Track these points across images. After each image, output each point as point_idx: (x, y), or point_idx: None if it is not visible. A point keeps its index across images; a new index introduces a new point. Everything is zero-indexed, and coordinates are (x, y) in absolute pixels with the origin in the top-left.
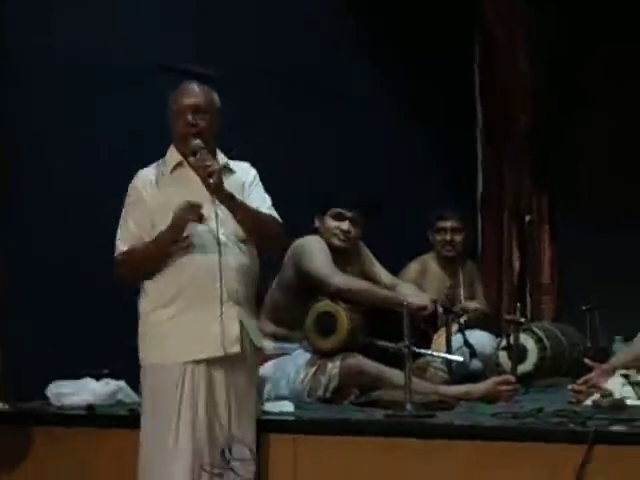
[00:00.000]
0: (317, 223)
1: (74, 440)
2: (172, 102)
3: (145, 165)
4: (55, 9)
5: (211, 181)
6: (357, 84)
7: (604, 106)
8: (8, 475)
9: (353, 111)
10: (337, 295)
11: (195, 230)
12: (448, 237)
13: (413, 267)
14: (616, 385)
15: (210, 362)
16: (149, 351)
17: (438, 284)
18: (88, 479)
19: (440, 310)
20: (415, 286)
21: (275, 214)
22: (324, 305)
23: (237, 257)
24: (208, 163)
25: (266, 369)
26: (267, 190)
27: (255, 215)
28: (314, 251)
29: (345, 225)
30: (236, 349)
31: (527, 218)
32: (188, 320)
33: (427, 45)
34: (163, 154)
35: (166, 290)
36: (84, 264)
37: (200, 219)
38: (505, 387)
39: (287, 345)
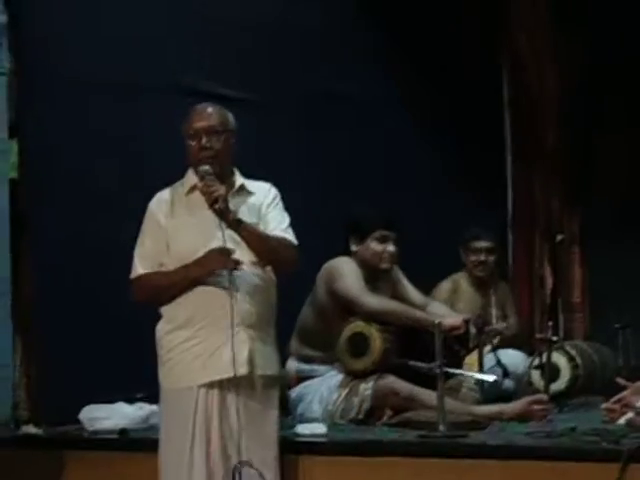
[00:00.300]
0: (355, 247)
1: (107, 464)
2: (186, 125)
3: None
4: (78, 27)
5: (216, 207)
6: (384, 103)
7: (635, 124)
8: None
9: (380, 130)
10: (369, 316)
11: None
12: (482, 257)
13: (445, 286)
14: None
15: (223, 387)
16: (164, 376)
17: (470, 304)
18: None
19: (473, 330)
20: (446, 306)
21: (291, 236)
22: (356, 326)
23: (250, 280)
24: (213, 189)
25: (298, 391)
26: (292, 211)
27: (264, 239)
28: (346, 272)
29: (391, 247)
30: (242, 371)
31: (558, 237)
32: (199, 344)
33: (456, 63)
34: (178, 177)
35: (179, 313)
36: (120, 287)
37: (236, 264)
38: (538, 406)
39: (319, 367)
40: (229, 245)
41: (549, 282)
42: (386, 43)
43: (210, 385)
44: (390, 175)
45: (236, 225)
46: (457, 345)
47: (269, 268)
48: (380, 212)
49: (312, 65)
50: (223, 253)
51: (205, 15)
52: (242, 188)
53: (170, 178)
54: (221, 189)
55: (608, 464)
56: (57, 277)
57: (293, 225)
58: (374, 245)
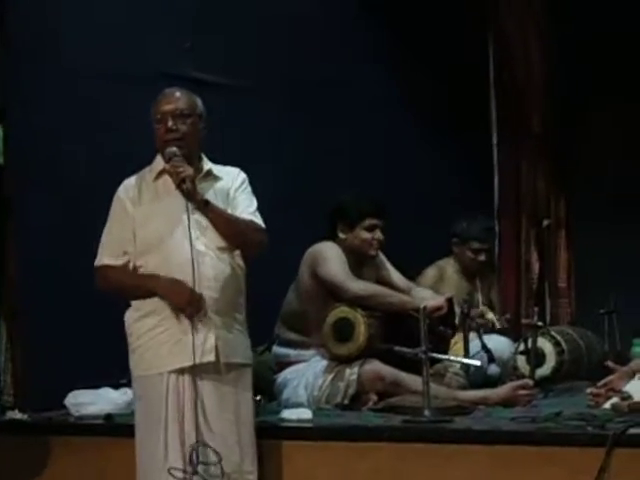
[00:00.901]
0: (343, 235)
1: (92, 449)
2: (153, 109)
3: None
4: (66, 14)
5: (184, 187)
6: (369, 86)
7: (620, 107)
8: None
9: (365, 114)
10: (353, 301)
11: (171, 240)
12: (481, 258)
13: (430, 273)
14: (635, 388)
15: (194, 372)
16: (135, 363)
17: (456, 290)
18: None
19: (457, 310)
20: (431, 290)
21: (258, 219)
22: (341, 311)
23: (215, 266)
24: (180, 169)
25: (283, 376)
26: (279, 196)
27: (231, 221)
28: (330, 257)
29: (379, 234)
30: (208, 358)
31: (545, 222)
32: (165, 331)
33: (442, 45)
34: None
35: (146, 301)
36: None
37: (197, 310)
38: (523, 391)
39: (304, 352)
40: (195, 232)
41: (536, 267)
42: (373, 24)
43: (180, 371)
44: (375, 160)
45: (203, 206)
46: (442, 327)
47: (237, 254)
48: (370, 200)
49: (300, 51)
50: (194, 297)
51: (195, 2)
52: (209, 173)
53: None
54: (188, 169)
55: (593, 449)
56: (42, 263)
57: (278, 210)
58: (363, 233)
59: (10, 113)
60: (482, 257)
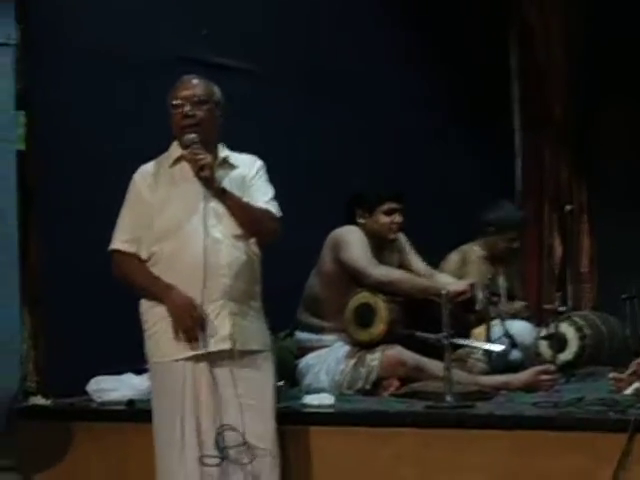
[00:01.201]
0: (362, 220)
1: (115, 435)
2: (170, 96)
3: None
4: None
5: (202, 174)
6: (390, 75)
7: None
8: (49, 470)
9: (386, 101)
10: (376, 287)
11: (187, 227)
12: (516, 245)
13: (454, 257)
14: None
15: (212, 359)
16: (150, 350)
17: (479, 276)
18: (128, 474)
19: (479, 295)
20: (451, 276)
21: (274, 208)
22: (363, 297)
23: (230, 253)
24: (200, 156)
25: (305, 361)
26: (300, 181)
27: (248, 209)
28: (353, 241)
29: (398, 218)
30: (223, 346)
31: (567, 207)
32: None
33: (463, 33)
34: None
35: None
36: None
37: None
38: (545, 376)
39: (326, 337)
40: (211, 219)
41: (558, 252)
42: (393, 14)
43: (197, 357)
44: (397, 146)
45: (221, 193)
46: (464, 311)
47: (253, 241)
48: (387, 185)
49: (320, 39)
50: (194, 325)
51: None
52: (225, 161)
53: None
54: (207, 157)
55: (615, 434)
56: (65, 250)
57: (300, 195)
58: (382, 217)
59: (32, 100)
60: (516, 245)
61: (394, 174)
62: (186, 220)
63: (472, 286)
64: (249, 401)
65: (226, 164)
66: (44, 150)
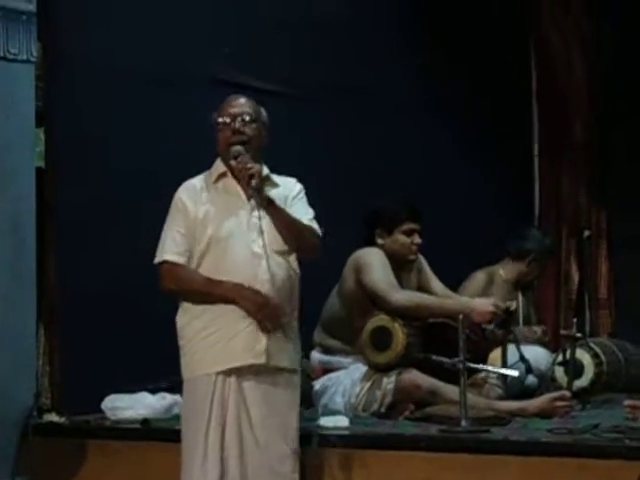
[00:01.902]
0: (381, 240)
1: (129, 454)
2: (219, 113)
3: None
4: (107, 18)
5: (252, 184)
6: (410, 98)
7: None
8: None
9: (406, 124)
10: (397, 311)
11: (230, 242)
12: (541, 274)
13: (480, 276)
14: None
15: (241, 375)
16: (184, 366)
17: (501, 299)
18: None
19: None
20: (475, 296)
21: (316, 226)
22: (380, 319)
23: (270, 269)
24: (249, 165)
25: (322, 383)
26: (322, 203)
27: (293, 223)
28: (374, 264)
29: (418, 239)
30: (258, 360)
31: (586, 233)
32: (216, 331)
33: (484, 56)
34: (206, 165)
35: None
36: (145, 276)
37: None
38: (561, 403)
39: (344, 359)
40: (253, 234)
41: (575, 278)
42: (414, 37)
43: (227, 373)
44: (415, 169)
45: (269, 204)
46: (494, 328)
47: (293, 258)
48: (407, 205)
49: (341, 59)
50: (267, 302)
51: (235, 6)
52: (268, 178)
53: (198, 166)
54: (257, 166)
55: (631, 462)
56: (82, 266)
57: (317, 215)
58: (402, 238)
59: (51, 117)
60: (541, 272)
61: (412, 195)
62: (228, 234)
63: (497, 306)
64: (275, 420)
65: (269, 181)
66: (63, 167)
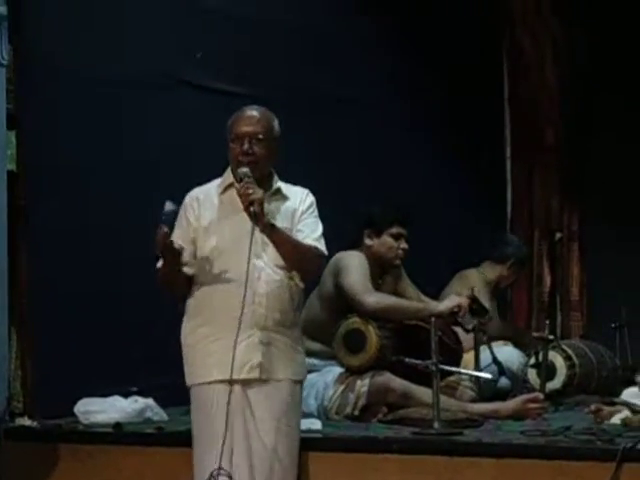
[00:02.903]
0: (369, 241)
1: (101, 458)
2: (230, 126)
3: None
4: (84, 21)
5: (251, 210)
6: (386, 102)
7: (635, 120)
8: None
9: (378, 129)
10: (372, 314)
11: (230, 255)
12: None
13: (456, 281)
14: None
15: (245, 384)
16: (187, 373)
17: (486, 296)
18: None
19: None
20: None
21: (321, 245)
22: (353, 322)
23: (270, 283)
24: (250, 192)
25: None
26: None
27: (294, 246)
28: (352, 267)
29: (404, 244)
30: (252, 375)
31: (557, 235)
32: (216, 340)
33: (457, 60)
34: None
35: (201, 312)
36: (117, 280)
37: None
38: (533, 405)
39: (317, 361)
40: (258, 247)
41: (547, 280)
42: (388, 42)
43: (230, 382)
44: (387, 173)
45: (269, 230)
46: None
47: (296, 272)
48: (399, 209)
49: (310, 61)
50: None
51: (207, 10)
52: (278, 192)
53: (170, 170)
54: (258, 192)
55: (603, 463)
56: (54, 270)
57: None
58: (390, 241)
59: (23, 120)
60: (515, 281)
61: (386, 197)
62: (231, 247)
63: (469, 297)
64: (280, 425)
65: (279, 194)
66: (34, 170)
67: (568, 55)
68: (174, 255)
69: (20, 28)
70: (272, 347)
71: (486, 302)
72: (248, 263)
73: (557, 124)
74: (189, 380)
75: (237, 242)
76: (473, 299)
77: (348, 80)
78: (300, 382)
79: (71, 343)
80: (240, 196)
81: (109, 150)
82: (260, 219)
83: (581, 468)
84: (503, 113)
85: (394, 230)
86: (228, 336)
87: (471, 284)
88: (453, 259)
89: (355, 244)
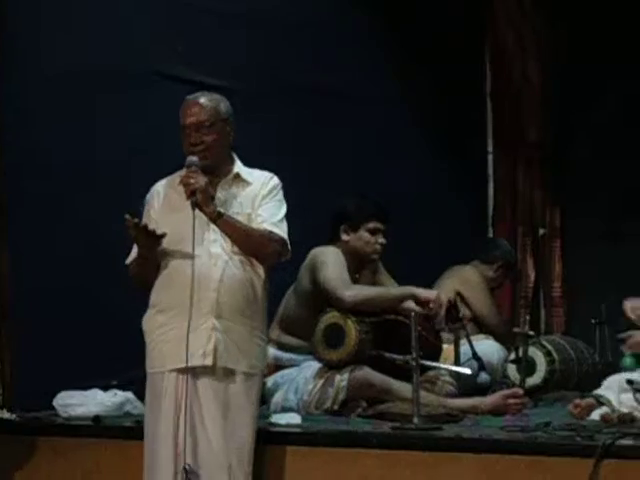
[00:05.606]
0: (346, 236)
1: (80, 451)
2: (179, 118)
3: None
4: (64, 19)
5: (193, 199)
6: (369, 97)
7: (618, 117)
8: None
9: (365, 123)
10: (353, 308)
11: (185, 241)
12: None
13: (472, 271)
14: (613, 384)
15: (196, 374)
16: (146, 360)
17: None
18: None
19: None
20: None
21: (279, 230)
22: (332, 316)
23: (225, 269)
24: (192, 181)
25: (274, 380)
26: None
27: (245, 233)
28: (329, 262)
29: (382, 239)
30: (204, 362)
31: (541, 231)
32: (172, 330)
33: (440, 55)
34: (160, 163)
35: (158, 300)
36: (97, 273)
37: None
38: (513, 400)
39: (296, 356)
40: (212, 235)
41: (531, 276)
42: (370, 36)
43: (181, 371)
44: (370, 167)
45: (216, 217)
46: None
47: (258, 262)
48: (375, 203)
49: (299, 56)
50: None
51: (186, 2)
52: (237, 177)
53: (151, 164)
54: (201, 181)
55: (582, 459)
56: (32, 263)
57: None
58: (366, 235)
59: (1, 116)
60: (501, 285)
61: (365, 191)
62: (186, 234)
63: (439, 297)
64: (229, 420)
65: (238, 179)
66: (12, 164)
67: (551, 51)
68: (148, 236)
69: None
70: (227, 335)
71: (485, 297)
72: (193, 250)
73: (539, 120)
74: (147, 367)
75: (188, 234)
76: (453, 305)
77: (330, 73)
78: (256, 376)
79: (50, 336)
80: (183, 185)
81: (86, 142)
82: (202, 209)
83: (561, 464)
84: (485, 108)
85: (371, 225)
86: (184, 324)
87: (467, 278)
88: (435, 254)
89: (332, 240)
